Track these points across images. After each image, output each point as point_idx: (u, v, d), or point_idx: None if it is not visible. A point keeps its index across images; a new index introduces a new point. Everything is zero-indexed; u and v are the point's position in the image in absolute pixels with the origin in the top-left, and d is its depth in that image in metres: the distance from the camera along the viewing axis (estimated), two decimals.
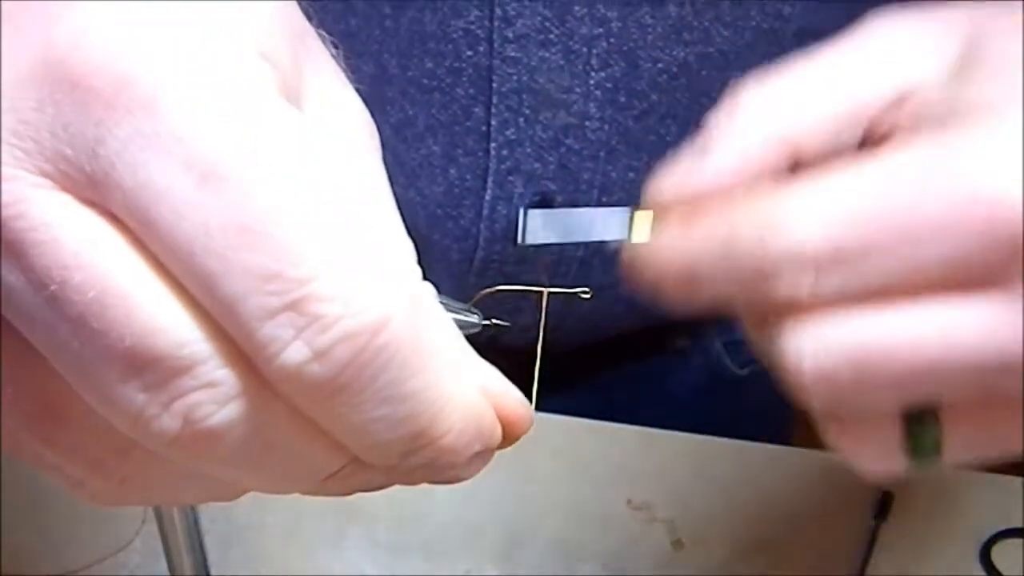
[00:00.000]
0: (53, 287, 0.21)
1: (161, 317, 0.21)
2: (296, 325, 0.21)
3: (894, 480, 0.31)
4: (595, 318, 0.64)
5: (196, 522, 0.55)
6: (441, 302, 0.30)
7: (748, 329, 0.28)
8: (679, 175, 0.30)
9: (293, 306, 0.21)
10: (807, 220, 0.24)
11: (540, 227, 0.28)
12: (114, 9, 0.21)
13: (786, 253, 0.24)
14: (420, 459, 0.24)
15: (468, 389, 0.25)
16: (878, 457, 0.27)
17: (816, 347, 0.25)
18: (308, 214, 0.21)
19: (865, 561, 0.59)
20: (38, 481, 0.26)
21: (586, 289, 0.45)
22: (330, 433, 0.23)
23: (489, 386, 0.26)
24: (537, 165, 0.56)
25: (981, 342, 0.24)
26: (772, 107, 0.30)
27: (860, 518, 0.60)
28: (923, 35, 0.30)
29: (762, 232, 0.25)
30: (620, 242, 0.28)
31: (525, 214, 0.28)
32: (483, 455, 0.26)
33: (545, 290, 0.39)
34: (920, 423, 0.26)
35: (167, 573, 0.54)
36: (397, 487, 0.27)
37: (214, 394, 0.22)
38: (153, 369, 0.21)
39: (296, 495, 0.26)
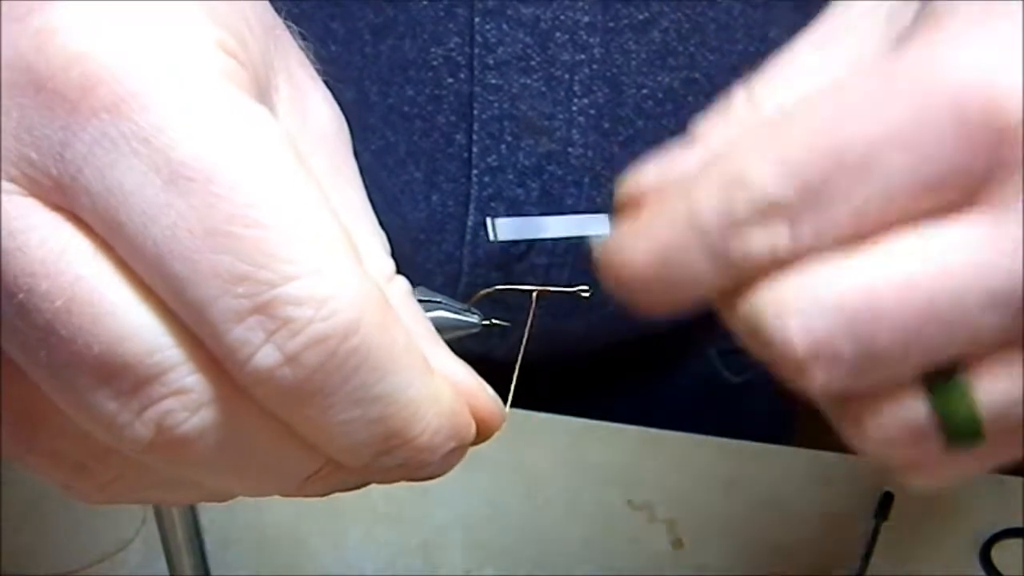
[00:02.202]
0: (20, 295, 0.21)
1: (130, 323, 0.21)
2: (266, 328, 0.21)
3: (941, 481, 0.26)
4: (585, 328, 0.64)
5: (196, 522, 0.55)
6: (441, 301, 0.30)
7: (730, 322, 0.25)
8: (657, 167, 0.26)
9: (263, 309, 0.21)
10: (767, 164, 0.22)
11: (508, 230, 0.28)
12: (78, 11, 0.21)
13: (754, 205, 0.22)
14: (395, 459, 0.24)
15: (441, 387, 0.25)
16: (909, 443, 0.23)
17: (801, 307, 0.22)
18: (277, 215, 0.21)
19: (865, 561, 0.58)
20: (38, 481, 0.26)
21: (585, 288, 0.45)
22: (304, 436, 0.23)
23: (462, 383, 0.26)
24: (520, 191, 0.55)
25: (981, 268, 0.21)
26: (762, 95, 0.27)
27: (860, 518, 0.60)
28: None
29: (724, 192, 0.22)
30: (593, 240, 0.26)
31: (493, 222, 0.28)
32: (457, 452, 0.26)
33: (542, 288, 0.39)
34: (946, 388, 0.22)
35: (167, 573, 0.54)
36: (397, 486, 0.27)
37: (185, 401, 0.22)
38: (123, 376, 0.21)
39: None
